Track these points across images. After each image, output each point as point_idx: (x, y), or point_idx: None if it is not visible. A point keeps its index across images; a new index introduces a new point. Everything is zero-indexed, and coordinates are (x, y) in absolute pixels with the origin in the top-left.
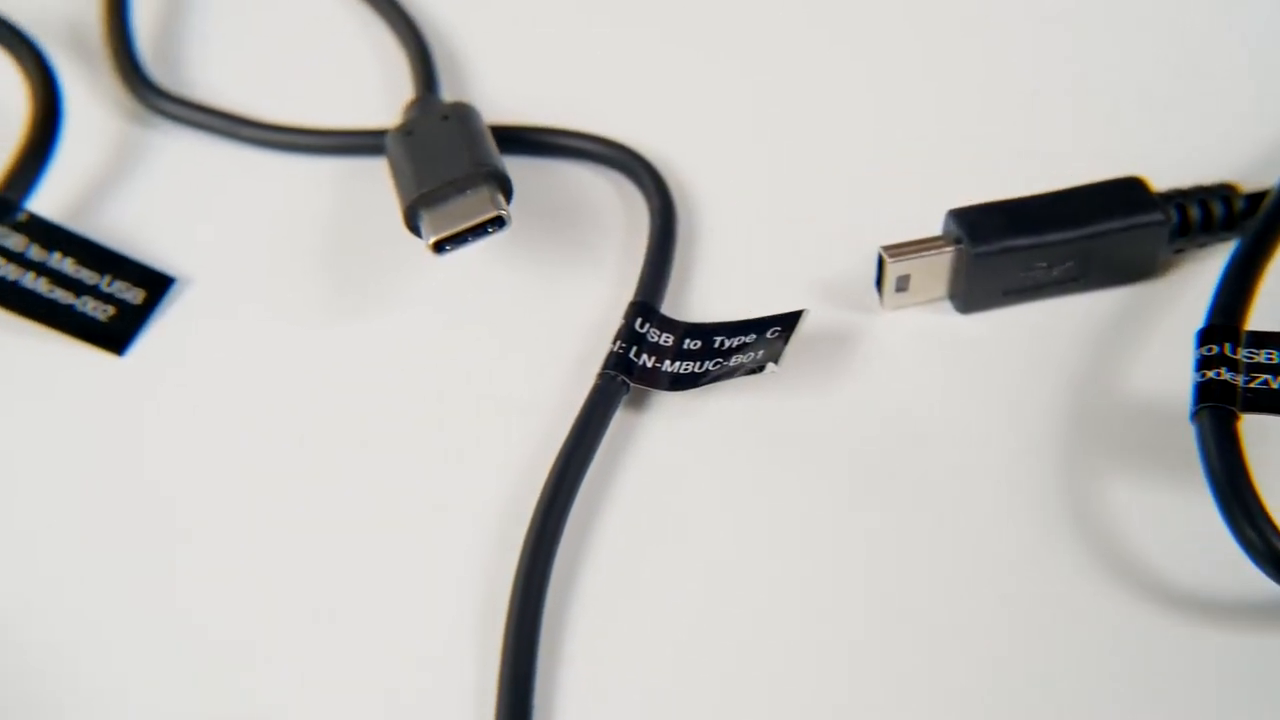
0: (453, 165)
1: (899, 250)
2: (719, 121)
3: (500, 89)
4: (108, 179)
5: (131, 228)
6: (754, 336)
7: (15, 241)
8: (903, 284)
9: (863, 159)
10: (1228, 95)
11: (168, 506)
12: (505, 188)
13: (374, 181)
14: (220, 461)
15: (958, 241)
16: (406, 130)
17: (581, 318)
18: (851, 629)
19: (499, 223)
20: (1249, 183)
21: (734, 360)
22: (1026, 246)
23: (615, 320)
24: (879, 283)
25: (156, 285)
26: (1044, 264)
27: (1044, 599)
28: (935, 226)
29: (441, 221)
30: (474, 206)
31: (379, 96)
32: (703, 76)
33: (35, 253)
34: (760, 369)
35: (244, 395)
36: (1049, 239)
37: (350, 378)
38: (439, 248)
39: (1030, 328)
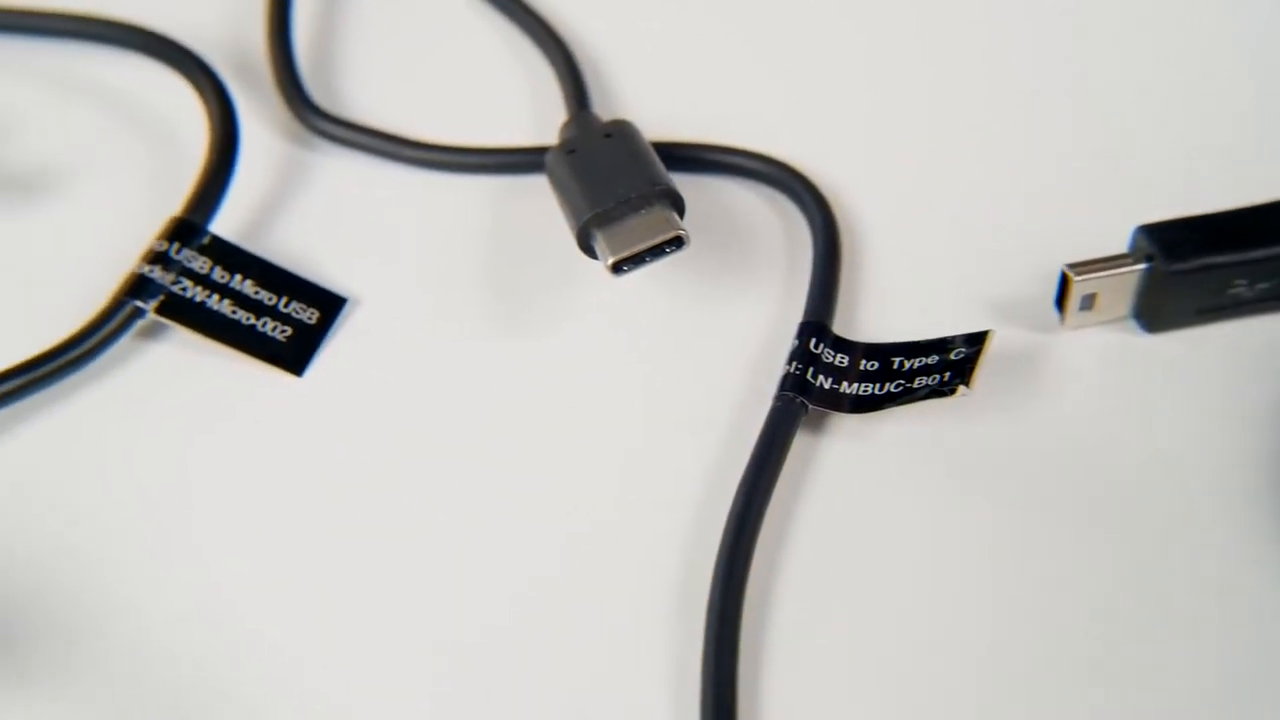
0: (624, 184)
1: (1085, 268)
2: (874, 136)
3: (645, 105)
4: (274, 200)
5: (298, 248)
6: (936, 358)
7: (200, 264)
8: (1087, 303)
9: (1029, 174)
10: None
11: (354, 523)
12: (679, 207)
13: (532, 199)
14: (400, 479)
15: (1149, 258)
16: (569, 149)
17: (746, 336)
18: (1053, 656)
19: (678, 242)
20: None
21: (917, 382)
22: (1227, 264)
23: (781, 340)
24: (1060, 301)
25: (330, 306)
26: (1244, 282)
27: (1249, 624)
28: (1105, 242)
29: (620, 242)
30: (652, 226)
31: (528, 114)
32: (857, 89)
33: (218, 274)
34: (950, 391)
35: (419, 414)
36: (1251, 256)
37: (520, 395)
38: (617, 268)
39: (1225, 347)
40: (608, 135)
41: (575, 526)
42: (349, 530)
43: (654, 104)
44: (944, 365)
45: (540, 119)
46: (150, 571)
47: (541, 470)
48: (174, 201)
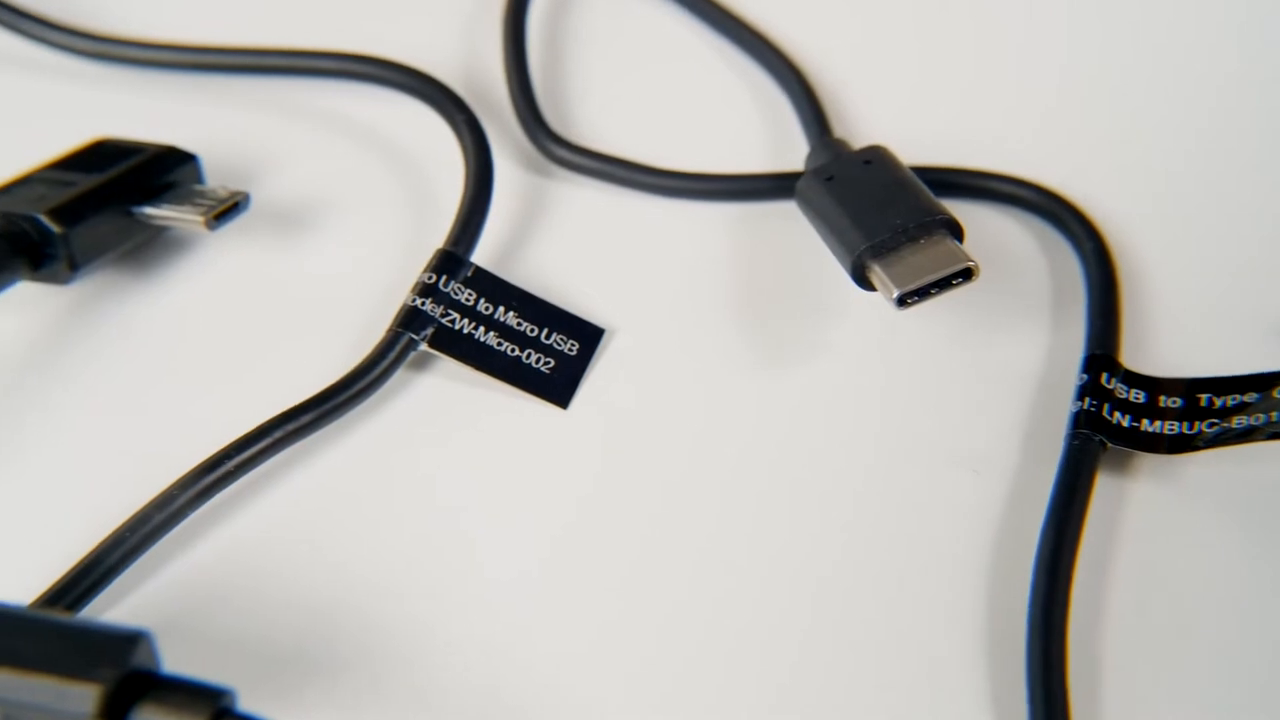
0: (898, 213)
1: None
2: (1129, 156)
3: (879, 128)
4: (519, 230)
5: (546, 278)
6: (1256, 395)
7: (466, 296)
8: None
9: None
10: None
11: (624, 555)
12: (958, 236)
13: (777, 226)
14: (667, 514)
15: None
16: (825, 176)
17: (1019, 371)
18: None
19: (966, 274)
20: None
21: (1236, 421)
22: None
23: (1058, 374)
24: None
25: (589, 337)
26: None
27: None
28: None
29: (905, 274)
30: (939, 257)
31: (758, 140)
32: (1101, 105)
33: (483, 306)
34: None
35: (684, 449)
36: None
37: (784, 427)
38: (902, 301)
39: None
40: (866, 162)
41: (855, 569)
42: (620, 562)
43: (890, 127)
44: (1268, 404)
45: (773, 144)
46: (436, 599)
47: (813, 510)
48: (419, 233)
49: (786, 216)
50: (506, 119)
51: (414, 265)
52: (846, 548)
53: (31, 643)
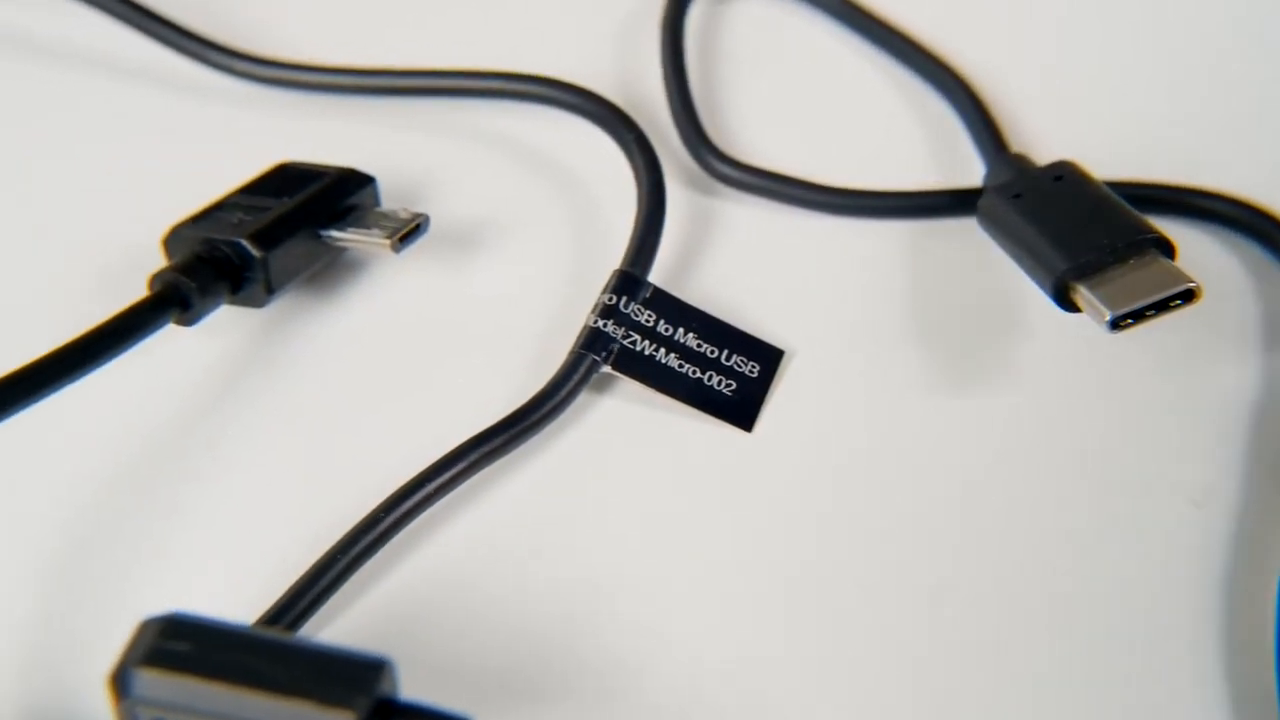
0: (1103, 231)
1: None
2: None
3: (1052, 141)
4: (688, 250)
5: (721, 298)
6: None
7: (646, 317)
8: None
9: None
10: None
11: (815, 580)
12: (1170, 255)
13: (953, 243)
14: (857, 539)
15: None
16: (1012, 192)
17: (1232, 394)
18: None
19: (1187, 295)
20: None
21: None
22: None
23: (1272, 403)
24: None
25: (769, 358)
26: None
27: None
28: None
29: (1120, 295)
30: (1157, 278)
31: (923, 154)
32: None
33: (663, 328)
34: None
35: (869, 472)
36: None
37: (976, 452)
38: (1117, 323)
39: None
40: (1057, 178)
41: (1064, 608)
42: (810, 588)
43: (1064, 140)
44: None
45: (939, 160)
46: (627, 620)
47: (1013, 543)
48: (587, 253)
49: (964, 234)
50: (667, 137)
51: (584, 285)
52: (1051, 584)
53: (282, 667)
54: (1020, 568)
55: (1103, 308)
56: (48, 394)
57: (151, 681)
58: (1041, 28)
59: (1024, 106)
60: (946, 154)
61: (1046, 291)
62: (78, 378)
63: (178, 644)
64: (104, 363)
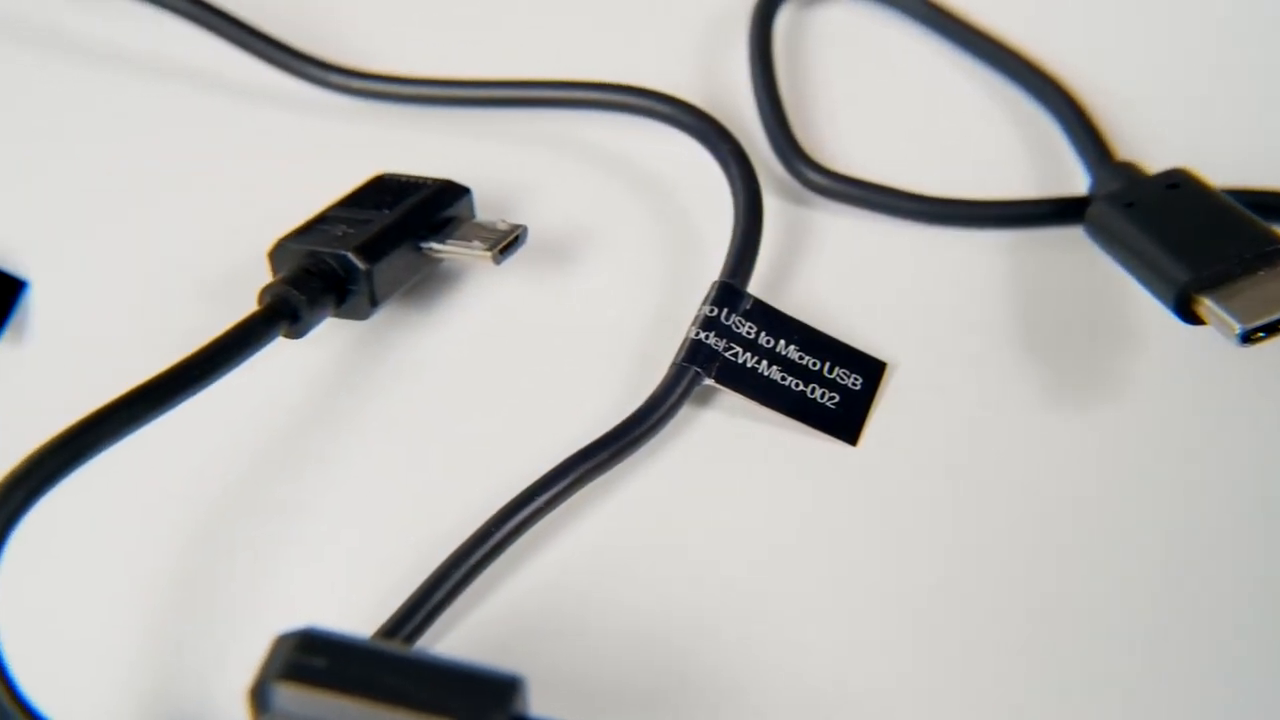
0: (1228, 241)
1: None
2: None
3: (1156, 147)
4: (783, 261)
5: (819, 309)
6: None
7: (747, 329)
8: None
9: None
10: None
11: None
12: None
13: (1055, 253)
14: (965, 555)
15: None
16: (1124, 201)
17: None
18: None
19: None
20: None
21: None
22: None
23: None
24: None
25: (872, 370)
26: None
27: None
28: None
29: (1252, 307)
30: None
31: (1019, 162)
32: None
33: (764, 340)
34: None
35: (977, 487)
36: None
37: (1087, 468)
38: (1247, 336)
39: None
40: (1171, 186)
41: (1186, 633)
42: (917, 603)
43: (1171, 146)
44: None
45: (1037, 167)
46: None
47: (1126, 562)
48: (681, 264)
49: (1067, 243)
50: (754, 144)
51: (678, 297)
52: (1167, 605)
53: (418, 683)
54: (1131, 589)
55: (1233, 320)
56: (173, 406)
57: (290, 696)
58: (1137, 26)
59: (1123, 111)
60: (1041, 161)
61: (1167, 303)
62: (200, 389)
63: (314, 659)
64: (223, 374)
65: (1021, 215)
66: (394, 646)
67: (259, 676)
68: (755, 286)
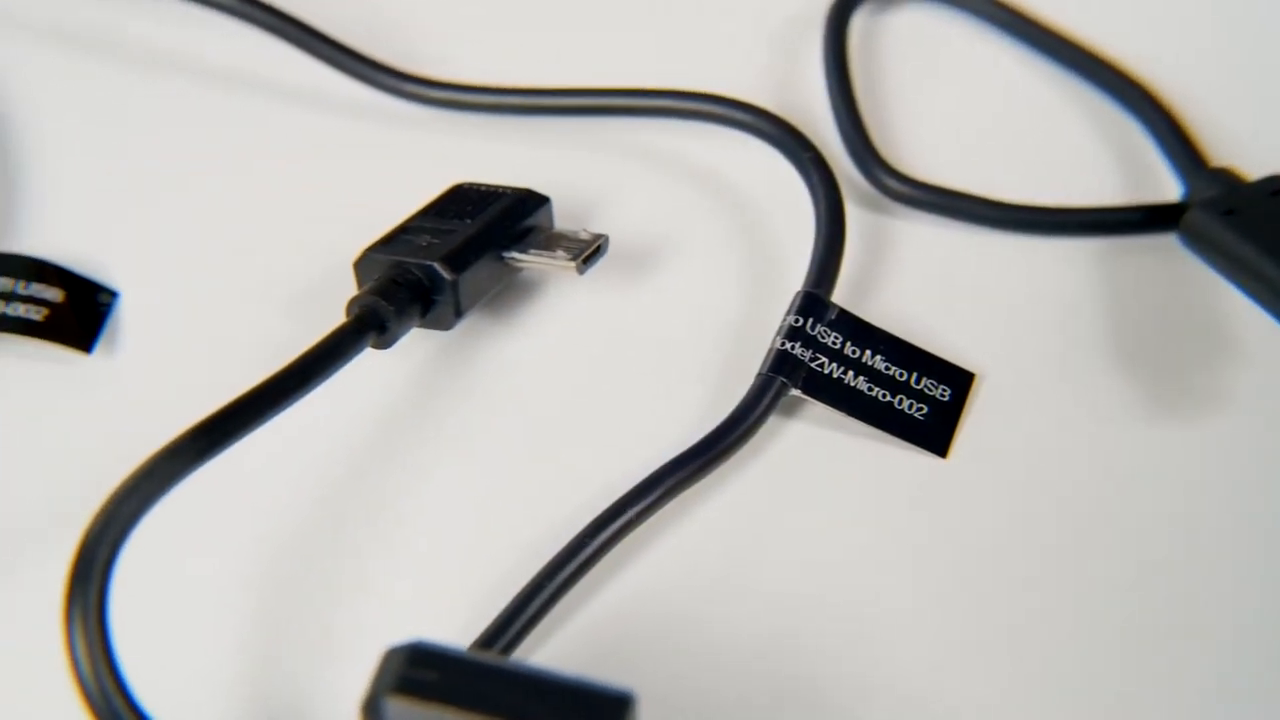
0: None
1: None
2: None
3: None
4: (864, 270)
5: (900, 320)
6: None
7: (833, 339)
8: None
9: None
10: None
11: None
12: None
13: (1149, 261)
14: (1060, 570)
15: None
16: (1222, 209)
17: None
18: None
19: None
20: None
21: None
22: None
23: None
24: None
25: (960, 381)
26: None
27: None
28: None
29: None
30: None
31: (1103, 168)
32: None
33: (850, 350)
34: None
35: (1071, 501)
36: None
37: (1186, 483)
38: None
39: None
40: (1276, 193)
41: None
42: (1011, 618)
43: (1262, 149)
44: None
45: (1122, 173)
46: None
47: (1228, 582)
48: (759, 273)
49: (1159, 252)
50: (832, 154)
51: (758, 306)
52: (1273, 623)
53: (531, 698)
54: (1233, 606)
55: None
56: (271, 417)
57: (404, 710)
58: (1220, 28)
59: (1208, 115)
60: (1126, 166)
61: (1276, 315)
62: (296, 400)
63: (426, 673)
64: (317, 385)
65: (1112, 222)
66: (503, 661)
67: (371, 690)
68: (836, 296)
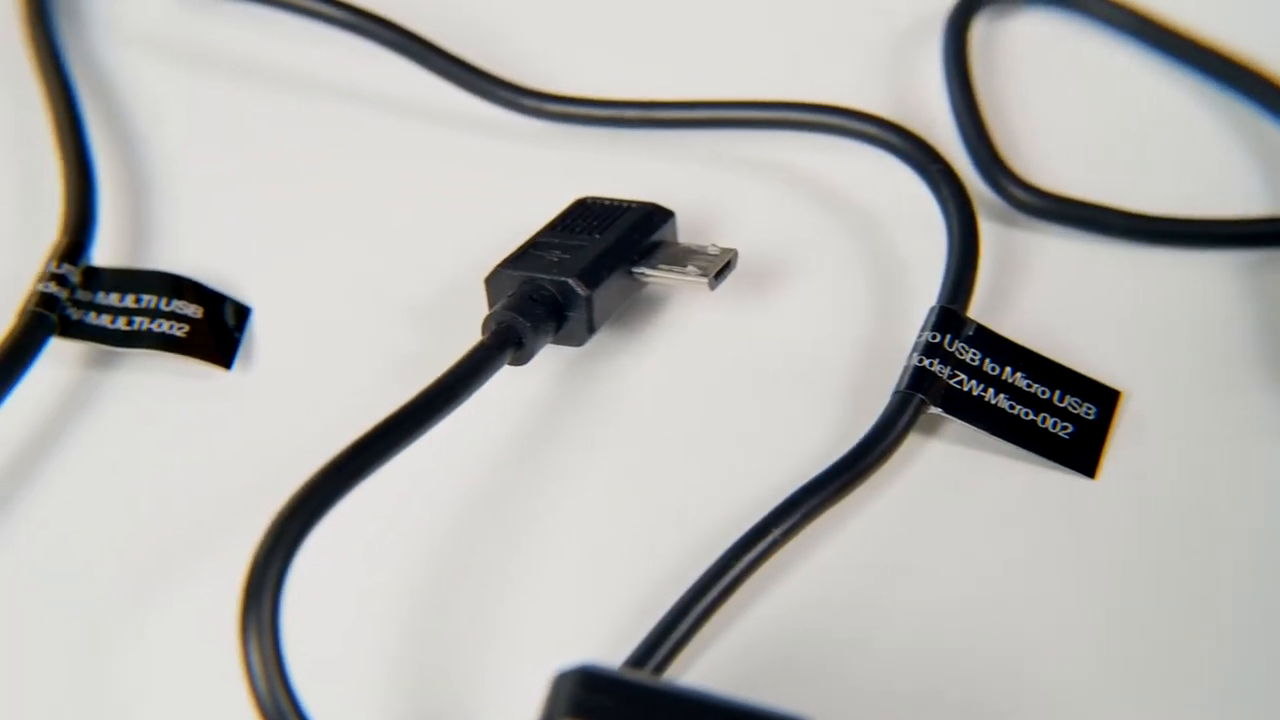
0: None
1: None
2: None
3: None
4: (996, 284)
5: (1037, 335)
6: None
7: (971, 355)
8: None
9: None
10: None
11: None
12: None
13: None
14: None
15: None
16: None
17: None
18: None
19: None
20: None
21: None
22: None
23: None
24: None
25: (1105, 399)
26: None
27: None
28: None
29: None
30: None
31: (1241, 176)
32: None
33: (989, 367)
34: None
35: (1229, 523)
36: None
37: None
38: None
39: None
40: None
41: None
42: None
43: None
44: None
45: (1266, 182)
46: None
47: None
48: (884, 287)
49: None
50: (957, 165)
51: (887, 321)
52: None
53: None
54: None
55: None
56: (420, 434)
57: None
58: None
59: None
60: (1271, 175)
61: None
62: (442, 418)
63: (600, 698)
64: (461, 402)
65: (1260, 234)
66: (673, 684)
67: (545, 714)
68: (970, 311)
